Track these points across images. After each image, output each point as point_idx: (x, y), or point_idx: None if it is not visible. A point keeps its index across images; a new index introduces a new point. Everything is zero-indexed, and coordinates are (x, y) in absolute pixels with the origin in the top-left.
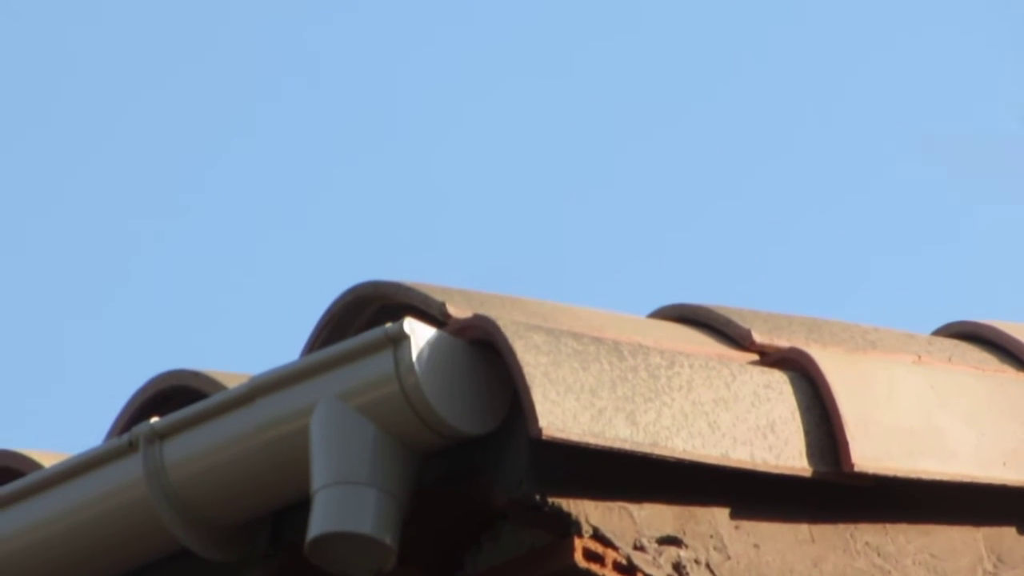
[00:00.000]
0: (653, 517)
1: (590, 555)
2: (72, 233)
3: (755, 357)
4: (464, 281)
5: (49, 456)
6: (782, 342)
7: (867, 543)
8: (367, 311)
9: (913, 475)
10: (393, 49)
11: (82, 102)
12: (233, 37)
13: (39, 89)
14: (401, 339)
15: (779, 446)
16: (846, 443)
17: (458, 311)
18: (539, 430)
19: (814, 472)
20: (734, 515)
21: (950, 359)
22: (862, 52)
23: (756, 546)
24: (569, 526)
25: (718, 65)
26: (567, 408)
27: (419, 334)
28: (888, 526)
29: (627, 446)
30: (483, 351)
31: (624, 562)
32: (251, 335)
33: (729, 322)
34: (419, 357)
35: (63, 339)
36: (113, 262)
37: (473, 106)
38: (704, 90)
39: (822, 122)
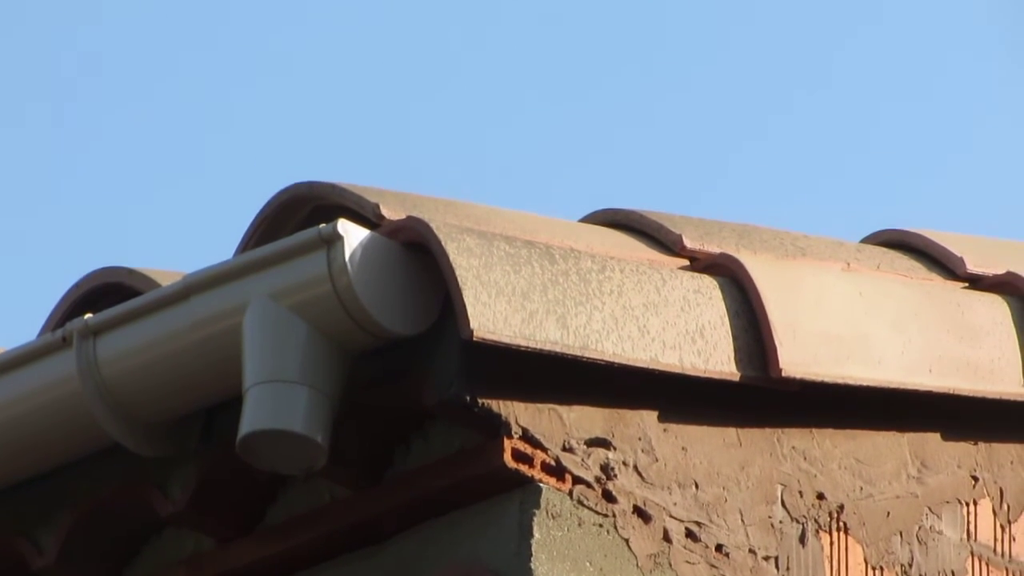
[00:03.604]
0: (582, 419)
1: (519, 456)
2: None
3: (685, 262)
4: (398, 184)
5: None
6: (712, 248)
7: (793, 447)
8: (301, 212)
9: (840, 380)
10: None
11: None
12: None
13: None
14: (334, 240)
15: (708, 351)
16: (774, 348)
17: (392, 213)
18: (470, 332)
19: (742, 377)
20: (662, 418)
21: (878, 267)
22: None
23: (684, 449)
24: (499, 427)
25: None
26: (498, 310)
27: (352, 235)
28: (814, 431)
29: (557, 349)
30: (416, 253)
31: (553, 463)
32: (186, 234)
33: (660, 227)
34: (352, 258)
35: None
36: (52, 157)
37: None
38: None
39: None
